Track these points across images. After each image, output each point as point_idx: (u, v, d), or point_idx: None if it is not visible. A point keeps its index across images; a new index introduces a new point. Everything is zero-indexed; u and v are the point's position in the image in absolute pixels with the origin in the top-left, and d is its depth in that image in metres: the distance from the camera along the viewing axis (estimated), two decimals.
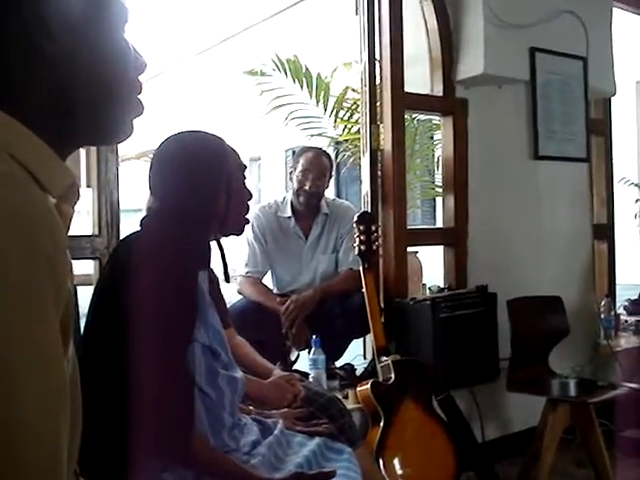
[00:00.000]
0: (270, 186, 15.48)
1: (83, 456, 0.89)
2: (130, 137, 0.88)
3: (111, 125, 0.85)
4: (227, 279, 1.82)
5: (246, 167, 1.82)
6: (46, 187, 0.74)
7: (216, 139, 1.73)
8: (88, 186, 2.74)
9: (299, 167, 3.38)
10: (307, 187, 3.34)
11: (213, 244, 1.73)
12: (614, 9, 4.27)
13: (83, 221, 2.81)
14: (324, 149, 3.67)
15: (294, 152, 3.59)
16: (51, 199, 0.75)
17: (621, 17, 4.65)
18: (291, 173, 3.46)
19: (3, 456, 0.60)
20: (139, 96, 0.86)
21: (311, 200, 3.37)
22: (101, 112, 0.82)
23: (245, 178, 1.79)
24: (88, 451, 1.04)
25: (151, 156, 1.74)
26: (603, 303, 4.02)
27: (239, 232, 1.78)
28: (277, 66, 5.83)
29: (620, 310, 4.35)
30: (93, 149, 2.70)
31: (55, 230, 0.70)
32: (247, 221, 1.80)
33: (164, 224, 1.64)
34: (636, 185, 8.30)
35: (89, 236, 2.65)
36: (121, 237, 2.55)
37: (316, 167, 3.36)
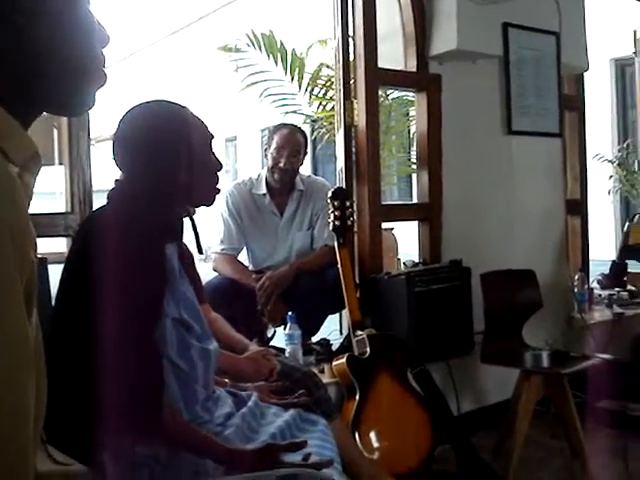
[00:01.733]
0: (247, 166, 15.40)
1: (52, 427, 0.90)
2: (92, 108, 0.89)
3: (74, 96, 0.85)
4: (200, 251, 1.81)
5: (213, 137, 1.77)
6: (8, 156, 0.74)
7: (178, 108, 1.69)
8: (60, 164, 2.72)
9: (273, 144, 3.36)
10: (282, 164, 3.32)
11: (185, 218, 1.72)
12: None
13: (57, 202, 2.79)
14: (299, 126, 3.66)
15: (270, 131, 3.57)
16: (13, 168, 0.75)
17: None
18: (266, 150, 3.44)
19: None
20: (103, 68, 0.87)
21: (285, 177, 3.36)
22: (65, 84, 0.82)
23: (212, 147, 1.76)
24: (57, 422, 1.04)
25: None
26: (577, 277, 4.06)
27: (209, 203, 1.74)
28: (252, 41, 5.80)
29: (594, 284, 4.40)
30: (65, 128, 2.68)
31: (17, 199, 0.70)
32: (218, 191, 1.76)
33: (128, 196, 1.63)
34: (610, 161, 8.37)
35: (62, 213, 2.64)
36: None
37: (290, 144, 3.34)
